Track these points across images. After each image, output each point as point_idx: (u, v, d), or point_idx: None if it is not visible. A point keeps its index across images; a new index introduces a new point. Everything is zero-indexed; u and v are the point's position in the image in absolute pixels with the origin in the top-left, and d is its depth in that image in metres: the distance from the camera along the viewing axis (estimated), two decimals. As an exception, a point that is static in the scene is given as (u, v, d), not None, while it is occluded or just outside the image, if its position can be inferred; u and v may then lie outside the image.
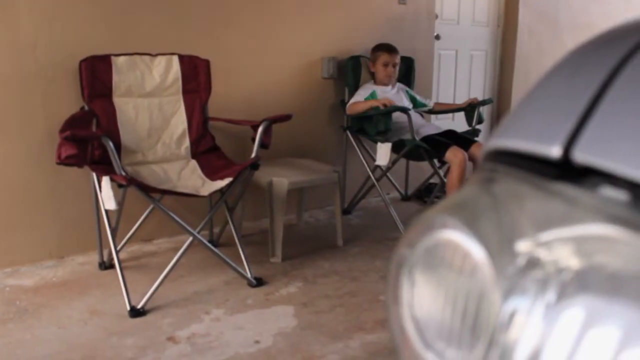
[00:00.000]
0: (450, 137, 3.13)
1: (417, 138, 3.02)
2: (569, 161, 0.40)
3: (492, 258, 0.41)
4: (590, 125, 0.40)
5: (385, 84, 3.36)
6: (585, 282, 0.35)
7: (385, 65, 3.31)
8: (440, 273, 0.45)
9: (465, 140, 3.11)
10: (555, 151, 0.41)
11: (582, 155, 0.39)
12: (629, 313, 0.33)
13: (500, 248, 0.40)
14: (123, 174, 2.15)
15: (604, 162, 0.37)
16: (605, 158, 0.37)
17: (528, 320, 0.37)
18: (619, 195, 0.37)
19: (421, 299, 0.46)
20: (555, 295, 0.36)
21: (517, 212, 0.42)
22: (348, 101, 3.35)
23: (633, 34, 0.46)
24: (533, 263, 0.38)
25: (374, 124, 3.06)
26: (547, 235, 0.38)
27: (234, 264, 2.40)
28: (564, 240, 0.37)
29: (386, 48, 3.34)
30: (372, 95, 3.28)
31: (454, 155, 2.91)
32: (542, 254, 0.38)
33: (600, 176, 0.38)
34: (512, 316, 0.38)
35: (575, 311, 0.35)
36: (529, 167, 0.43)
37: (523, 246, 0.39)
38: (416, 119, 3.22)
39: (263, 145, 2.46)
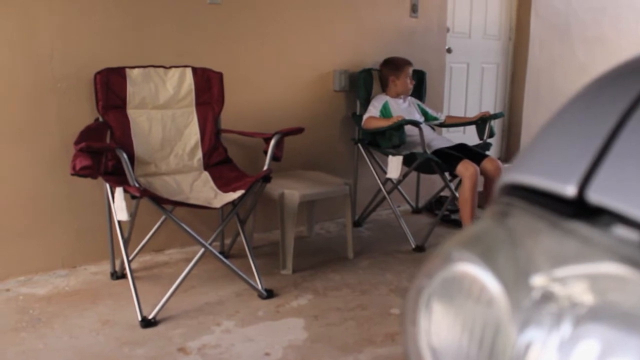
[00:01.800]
0: (461, 151, 3.13)
1: (429, 151, 3.03)
2: (583, 200, 0.41)
3: (507, 291, 0.42)
4: (604, 166, 0.41)
5: (401, 96, 3.39)
6: (599, 317, 0.36)
7: (410, 77, 3.37)
8: (458, 304, 0.46)
9: (476, 154, 3.11)
10: (570, 190, 0.42)
11: (596, 196, 0.40)
12: None
13: (515, 281, 0.41)
14: (136, 185, 2.17)
15: (617, 204, 0.38)
16: (619, 200, 0.38)
17: (543, 351, 0.38)
18: (632, 235, 0.38)
19: (438, 328, 0.47)
20: (569, 328, 0.37)
21: (532, 247, 0.43)
22: (360, 114, 3.38)
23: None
24: (548, 297, 0.39)
25: (388, 138, 3.08)
26: (561, 272, 0.39)
27: (245, 276, 2.41)
28: (578, 277, 0.38)
29: (409, 61, 3.39)
30: (385, 107, 3.30)
31: (465, 169, 2.91)
32: (557, 288, 0.39)
33: (614, 216, 0.39)
34: (527, 347, 0.39)
35: (589, 344, 0.36)
36: (544, 203, 0.44)
37: (538, 280, 0.40)
38: (427, 132, 3.24)
39: (275, 157, 2.48)
